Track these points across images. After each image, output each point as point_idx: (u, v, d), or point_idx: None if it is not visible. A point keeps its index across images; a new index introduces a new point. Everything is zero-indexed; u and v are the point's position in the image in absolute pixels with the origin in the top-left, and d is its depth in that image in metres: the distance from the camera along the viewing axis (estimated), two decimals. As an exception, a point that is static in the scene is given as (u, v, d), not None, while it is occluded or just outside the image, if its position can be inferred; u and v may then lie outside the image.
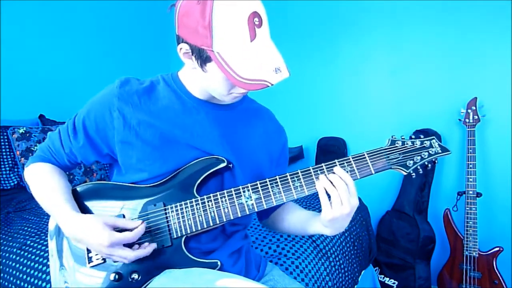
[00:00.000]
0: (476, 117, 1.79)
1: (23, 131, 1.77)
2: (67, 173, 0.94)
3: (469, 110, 1.81)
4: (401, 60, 2.15)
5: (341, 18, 2.33)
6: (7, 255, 1.20)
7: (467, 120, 1.81)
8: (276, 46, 0.70)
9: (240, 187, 0.76)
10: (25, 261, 1.13)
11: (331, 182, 0.72)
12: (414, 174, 0.76)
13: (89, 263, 0.76)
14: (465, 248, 1.80)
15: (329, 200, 0.72)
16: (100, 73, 2.40)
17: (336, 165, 0.75)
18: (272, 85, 0.65)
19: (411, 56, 2.11)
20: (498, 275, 1.73)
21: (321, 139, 2.46)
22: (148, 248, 0.73)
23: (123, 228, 0.73)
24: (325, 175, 0.73)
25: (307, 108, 2.54)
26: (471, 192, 1.78)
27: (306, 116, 2.55)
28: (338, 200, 0.70)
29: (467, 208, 1.79)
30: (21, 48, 2.01)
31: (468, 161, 1.78)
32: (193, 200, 0.76)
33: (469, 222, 1.78)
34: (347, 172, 0.74)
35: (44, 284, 1.04)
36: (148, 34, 2.79)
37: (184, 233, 0.76)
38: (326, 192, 0.72)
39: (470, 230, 1.77)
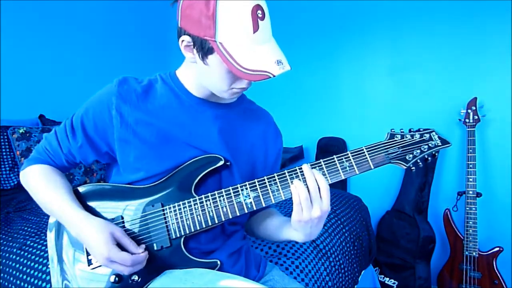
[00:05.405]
0: (476, 117, 1.79)
1: (23, 131, 1.76)
2: (67, 173, 0.93)
3: (469, 110, 1.81)
4: (401, 60, 2.15)
5: (340, 18, 2.33)
6: (7, 255, 1.20)
7: (467, 120, 1.81)
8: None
9: (238, 185, 0.75)
10: (25, 261, 1.13)
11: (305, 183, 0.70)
12: (414, 168, 0.75)
13: (89, 265, 0.76)
14: (465, 248, 1.79)
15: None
16: (100, 73, 2.40)
17: (334, 162, 0.73)
18: (274, 76, 0.65)
19: (411, 56, 2.11)
20: (498, 275, 1.73)
21: (321, 139, 2.46)
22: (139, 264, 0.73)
23: (125, 248, 0.72)
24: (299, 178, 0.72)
25: (307, 108, 2.54)
26: (471, 192, 1.78)
27: (306, 116, 2.55)
28: (307, 202, 0.69)
29: (467, 208, 1.79)
30: (21, 48, 2.01)
31: (468, 161, 1.78)
32: (191, 199, 0.76)
33: (469, 222, 1.77)
34: (346, 167, 0.73)
35: (44, 284, 1.03)
36: (148, 34, 2.79)
37: (183, 234, 0.75)
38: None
39: (470, 230, 1.77)
